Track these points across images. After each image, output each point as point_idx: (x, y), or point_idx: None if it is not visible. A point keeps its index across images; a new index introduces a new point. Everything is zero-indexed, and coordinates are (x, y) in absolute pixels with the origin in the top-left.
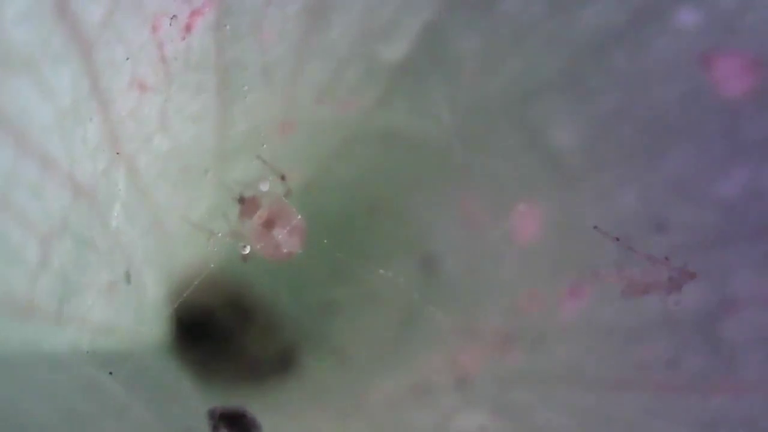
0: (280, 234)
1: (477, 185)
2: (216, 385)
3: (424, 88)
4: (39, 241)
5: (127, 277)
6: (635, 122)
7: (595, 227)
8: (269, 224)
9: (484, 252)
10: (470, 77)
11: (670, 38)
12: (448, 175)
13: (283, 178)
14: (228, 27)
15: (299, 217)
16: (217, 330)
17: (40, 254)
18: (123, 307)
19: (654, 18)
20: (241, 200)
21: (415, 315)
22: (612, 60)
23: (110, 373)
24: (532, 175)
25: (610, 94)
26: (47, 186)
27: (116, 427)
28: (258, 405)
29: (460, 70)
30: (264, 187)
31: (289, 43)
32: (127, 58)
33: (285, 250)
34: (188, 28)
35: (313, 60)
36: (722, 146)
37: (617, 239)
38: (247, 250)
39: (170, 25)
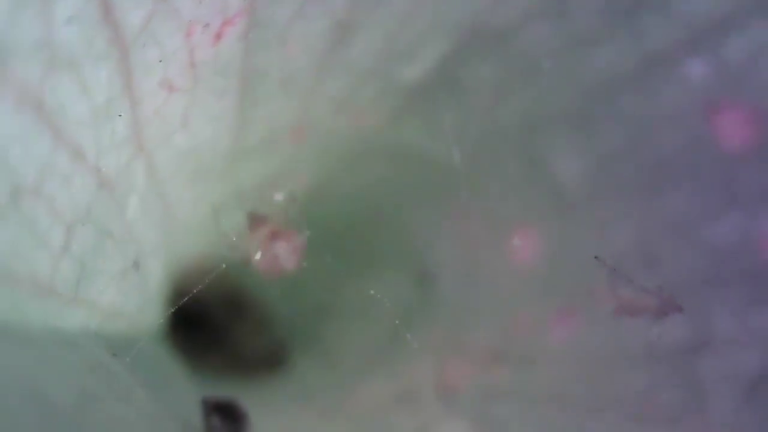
0: (281, 249)
1: (479, 208)
2: (209, 376)
3: (436, 111)
4: (64, 228)
5: (136, 266)
6: (637, 163)
7: (596, 257)
8: (273, 237)
9: (480, 272)
10: (481, 105)
11: (677, 87)
12: (452, 196)
13: (294, 199)
14: (254, 36)
15: (301, 237)
16: (215, 325)
17: (64, 240)
18: (130, 294)
19: (664, 66)
20: (252, 215)
21: (407, 326)
22: (620, 102)
23: (114, 354)
24: (532, 203)
25: (615, 133)
26: (76, 177)
27: (123, 410)
28: (246, 398)
29: (472, 98)
30: (279, 197)
31: (311, 57)
32: (161, 61)
33: (282, 265)
34: (219, 36)
35: (332, 74)
36: (718, 194)
37: (614, 269)
38: (259, 256)
39: (202, 32)
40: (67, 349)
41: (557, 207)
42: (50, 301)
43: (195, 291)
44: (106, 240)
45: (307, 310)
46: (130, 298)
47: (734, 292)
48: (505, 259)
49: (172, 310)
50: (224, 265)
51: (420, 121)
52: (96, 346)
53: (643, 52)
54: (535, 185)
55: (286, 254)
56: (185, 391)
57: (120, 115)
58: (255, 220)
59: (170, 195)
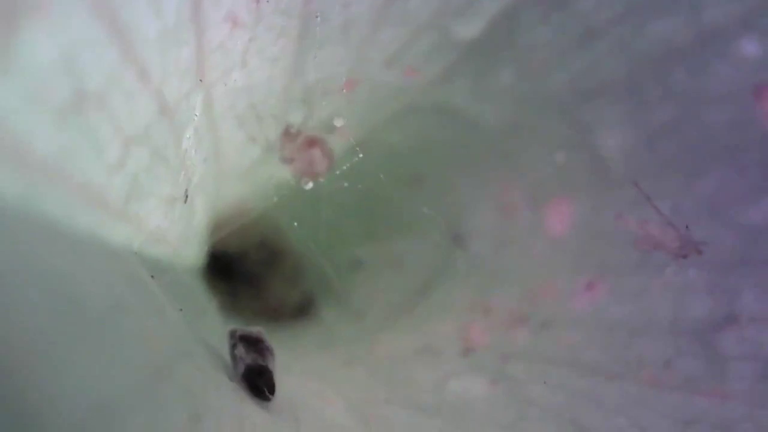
0: (316, 153)
1: (519, 174)
2: (239, 316)
3: (488, 70)
4: (122, 143)
5: (186, 197)
6: (681, 139)
7: (635, 183)
8: (310, 144)
9: (513, 238)
10: (534, 68)
11: (729, 64)
12: (494, 160)
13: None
14: None
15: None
16: (247, 268)
17: (121, 154)
18: (175, 223)
19: (717, 42)
20: (286, 131)
21: (435, 283)
22: (671, 76)
23: (152, 276)
24: (573, 173)
25: (663, 108)
26: (139, 96)
27: (154, 324)
28: (273, 341)
29: (526, 60)
30: (338, 122)
31: (370, 4)
32: None
33: (317, 169)
34: None
35: (389, 24)
36: (758, 176)
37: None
38: (310, 185)
39: None
40: (109, 260)
41: (597, 179)
42: (99, 212)
43: (238, 225)
44: (160, 164)
45: (339, 262)
46: (174, 226)
47: (763, 273)
48: (538, 227)
49: (213, 243)
50: (276, 198)
51: (470, 80)
52: (136, 264)
53: (697, 25)
54: (577, 155)
55: (320, 158)
56: (215, 323)
57: (187, 43)
58: (290, 133)
59: (222, 132)
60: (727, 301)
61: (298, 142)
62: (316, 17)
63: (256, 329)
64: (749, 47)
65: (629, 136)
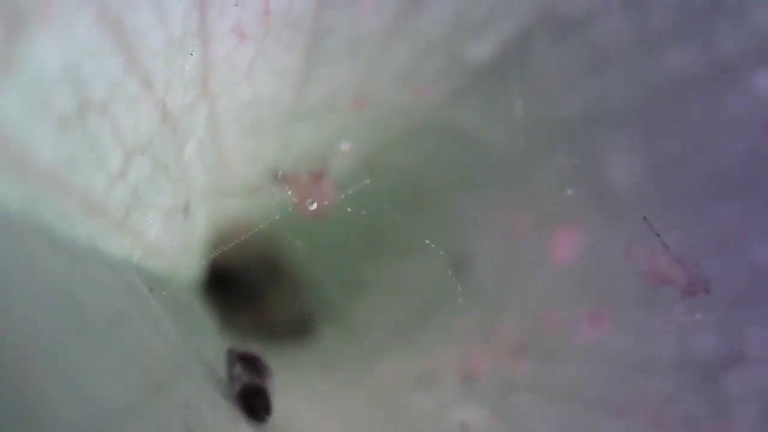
0: (324, 186)
1: (526, 199)
2: (237, 333)
3: (498, 93)
4: (124, 153)
5: (186, 209)
6: (692, 172)
7: (644, 218)
8: (317, 178)
9: (517, 264)
10: (545, 93)
11: (741, 97)
12: (500, 184)
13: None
14: None
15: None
16: (246, 284)
17: (122, 165)
18: (175, 235)
19: (731, 74)
20: (282, 176)
21: (437, 308)
22: (684, 106)
23: (150, 289)
24: (580, 201)
25: (674, 139)
26: (142, 105)
27: (152, 336)
28: (270, 359)
29: (536, 84)
30: (345, 147)
31: (381, 19)
32: (236, 4)
33: (326, 199)
34: None
35: (400, 42)
36: None
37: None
38: (314, 206)
39: None
40: (108, 271)
41: (605, 208)
42: (99, 223)
43: (238, 240)
44: (161, 175)
45: (339, 280)
46: (174, 239)
47: None
48: (544, 255)
49: (212, 258)
50: (277, 217)
51: (479, 103)
52: (135, 276)
53: (712, 57)
54: (586, 183)
55: (328, 190)
56: (212, 340)
57: (192, 53)
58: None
59: (226, 145)
60: (734, 339)
61: (301, 181)
62: (325, 32)
63: (254, 348)
64: (763, 81)
65: (639, 165)
